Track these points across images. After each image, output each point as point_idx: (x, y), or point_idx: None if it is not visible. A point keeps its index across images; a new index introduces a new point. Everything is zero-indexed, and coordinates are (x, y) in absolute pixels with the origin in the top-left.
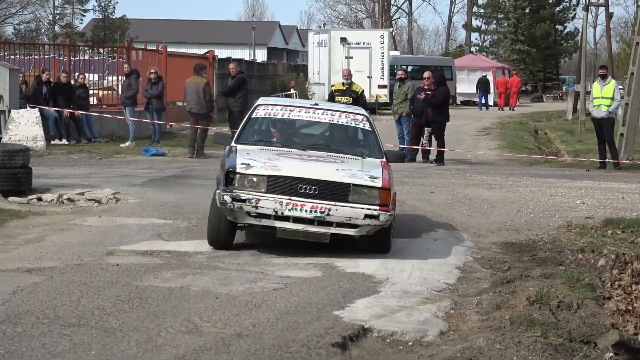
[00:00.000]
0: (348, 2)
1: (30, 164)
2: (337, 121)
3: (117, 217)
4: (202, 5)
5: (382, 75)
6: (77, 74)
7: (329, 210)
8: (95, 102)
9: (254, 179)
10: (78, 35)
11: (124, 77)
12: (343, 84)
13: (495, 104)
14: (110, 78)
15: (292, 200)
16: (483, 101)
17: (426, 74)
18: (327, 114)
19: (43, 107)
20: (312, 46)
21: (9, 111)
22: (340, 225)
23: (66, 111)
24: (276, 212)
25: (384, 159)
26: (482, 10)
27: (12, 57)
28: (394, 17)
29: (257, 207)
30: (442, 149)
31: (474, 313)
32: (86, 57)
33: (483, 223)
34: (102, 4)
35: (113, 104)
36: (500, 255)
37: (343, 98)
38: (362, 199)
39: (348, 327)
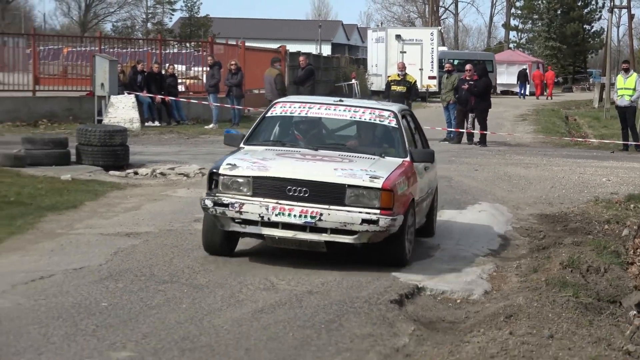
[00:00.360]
0: (402, 3)
1: (127, 143)
2: (360, 118)
3: (203, 189)
4: (275, 5)
5: (432, 67)
6: (167, 65)
7: (321, 214)
8: (183, 89)
9: (239, 180)
10: (167, 31)
11: (208, 68)
12: (398, 75)
13: (532, 94)
14: (195, 69)
15: (280, 204)
16: (522, 91)
17: (468, 67)
18: (349, 111)
19: (138, 93)
20: (370, 42)
21: (109, 97)
22: (335, 231)
23: (158, 97)
24: (262, 217)
25: (408, 159)
26: (519, 12)
27: (111, 50)
28: (442, 17)
29: (241, 213)
30: (485, 132)
31: (514, 275)
32: (175, 50)
33: (521, 197)
34: (189, 4)
35: (198, 91)
36: (536, 226)
37: (398, 87)
38: (360, 201)
39: (404, 286)
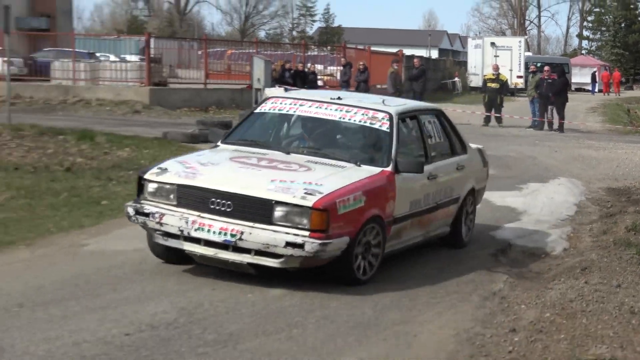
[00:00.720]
0: (495, 17)
1: None
2: (351, 119)
3: None
4: (394, 18)
5: (519, 69)
6: (309, 64)
7: (242, 233)
8: (321, 84)
9: (166, 187)
10: (309, 38)
11: (342, 67)
12: (493, 74)
13: (600, 91)
14: (331, 68)
15: (201, 217)
16: (593, 89)
17: (546, 68)
18: (340, 111)
19: (287, 86)
20: (470, 48)
21: (264, 89)
22: (260, 253)
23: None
24: (182, 231)
25: (389, 169)
26: (590, 24)
27: (265, 52)
28: (528, 28)
29: (161, 224)
30: (562, 121)
31: (587, 236)
32: (314, 53)
33: (592, 174)
34: (326, 16)
35: (333, 85)
36: (605, 197)
37: (492, 84)
38: (290, 220)
39: (499, 243)
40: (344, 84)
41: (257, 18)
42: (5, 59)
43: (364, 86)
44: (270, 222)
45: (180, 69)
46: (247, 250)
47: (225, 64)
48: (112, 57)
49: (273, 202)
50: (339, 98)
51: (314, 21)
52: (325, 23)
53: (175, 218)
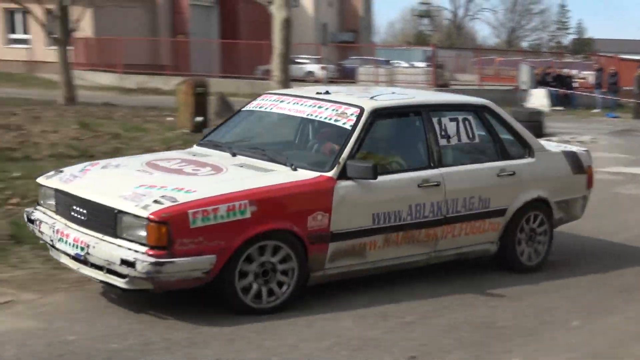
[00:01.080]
0: None
1: (541, 120)
2: (318, 116)
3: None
4: (637, 29)
5: None
6: (565, 69)
7: (89, 246)
8: (577, 86)
9: (49, 192)
10: (564, 47)
11: (594, 72)
12: None
13: None
14: (584, 72)
15: (66, 226)
16: None
17: None
18: (312, 106)
19: (548, 88)
20: None
21: (529, 90)
22: (110, 271)
23: (561, 90)
24: (52, 242)
25: (330, 174)
26: None
27: (528, 59)
28: None
29: (41, 232)
30: None
31: None
32: (569, 60)
33: None
34: (578, 29)
35: (587, 87)
36: None
37: None
38: (132, 233)
39: None
40: (597, 86)
41: (520, 31)
42: (323, 65)
43: (614, 87)
44: (116, 235)
45: (457, 73)
46: (99, 267)
47: (494, 69)
48: (404, 64)
49: (116, 211)
50: (326, 92)
51: (568, 34)
52: (578, 35)
53: (47, 226)
